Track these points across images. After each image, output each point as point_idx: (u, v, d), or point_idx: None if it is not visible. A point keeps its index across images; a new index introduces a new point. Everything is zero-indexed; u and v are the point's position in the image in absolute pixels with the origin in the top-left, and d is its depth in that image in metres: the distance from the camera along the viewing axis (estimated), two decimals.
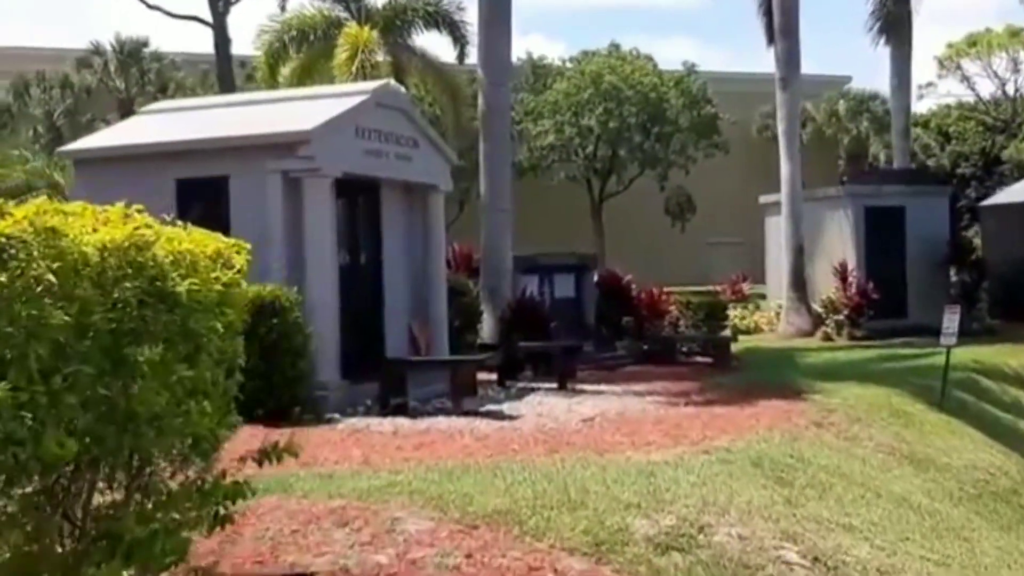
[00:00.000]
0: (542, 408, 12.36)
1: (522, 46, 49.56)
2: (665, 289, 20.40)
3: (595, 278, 19.48)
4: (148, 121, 14.24)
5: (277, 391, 11.34)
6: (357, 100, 13.09)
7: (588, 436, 10.26)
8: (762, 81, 49.65)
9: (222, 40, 29.01)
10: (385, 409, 11.97)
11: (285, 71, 22.88)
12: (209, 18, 29.83)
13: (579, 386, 14.39)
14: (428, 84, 24.88)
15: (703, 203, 46.01)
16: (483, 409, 12.12)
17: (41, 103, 37.53)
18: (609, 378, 16.04)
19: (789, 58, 23.43)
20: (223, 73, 28.31)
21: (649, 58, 45.41)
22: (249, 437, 10.05)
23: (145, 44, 41.11)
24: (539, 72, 46.82)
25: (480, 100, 18.29)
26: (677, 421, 11.24)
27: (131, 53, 40.37)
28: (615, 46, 46.12)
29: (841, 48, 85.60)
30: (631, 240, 43.83)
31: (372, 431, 10.75)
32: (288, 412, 11.49)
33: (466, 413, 11.65)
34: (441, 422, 11.22)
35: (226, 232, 12.30)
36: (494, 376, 14.88)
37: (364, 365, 12.86)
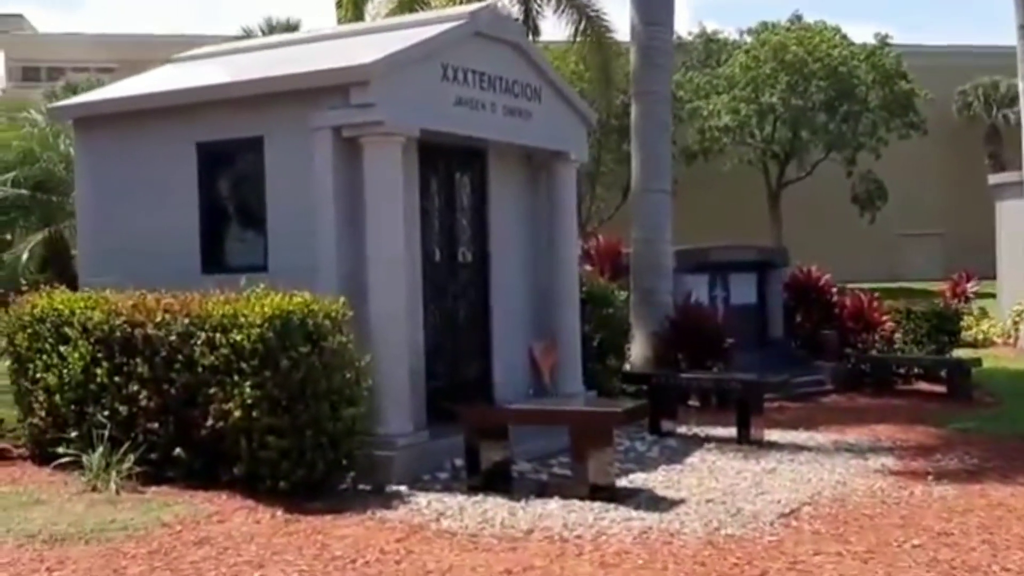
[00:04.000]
0: (713, 482, 8.13)
1: (694, 24, 45.04)
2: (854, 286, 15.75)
3: (784, 278, 15.05)
4: (175, 70, 10.60)
5: (310, 453, 7.50)
6: (444, 27, 9.12)
7: (795, 560, 5.99)
8: (964, 54, 44.22)
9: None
10: (474, 477, 7.98)
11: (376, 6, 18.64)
12: None
13: (766, 434, 10.09)
14: (567, 29, 19.87)
15: (896, 190, 40.85)
16: (623, 484, 7.98)
17: None
18: (806, 416, 11.71)
19: None
20: None
21: (837, 30, 40.22)
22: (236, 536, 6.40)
23: (295, 28, 38.79)
24: (712, 49, 42.24)
25: (632, 50, 14.05)
26: (940, 523, 6.84)
27: None
28: (797, 17, 41.16)
29: None
30: (812, 232, 39.00)
31: (440, 531, 6.73)
32: (327, 483, 7.67)
33: (596, 491, 7.54)
34: (553, 513, 7.12)
35: (261, 217, 8.64)
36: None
37: (460, 406, 8.93)
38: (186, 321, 7.93)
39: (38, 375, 8.87)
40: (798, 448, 9.66)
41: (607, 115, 27.58)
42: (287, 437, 7.47)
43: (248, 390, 7.48)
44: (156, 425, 8.09)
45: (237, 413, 7.53)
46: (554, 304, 10.62)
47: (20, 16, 57.41)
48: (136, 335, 8.18)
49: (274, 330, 7.46)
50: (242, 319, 7.59)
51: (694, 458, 9.14)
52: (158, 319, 8.08)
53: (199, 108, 9.12)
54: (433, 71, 8.88)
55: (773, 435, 10.23)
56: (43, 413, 8.90)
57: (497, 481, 7.94)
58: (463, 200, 10.02)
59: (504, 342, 10.18)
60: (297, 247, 8.60)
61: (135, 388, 8.17)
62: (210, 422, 7.73)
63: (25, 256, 14.21)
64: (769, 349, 14.46)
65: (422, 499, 7.56)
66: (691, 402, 12.15)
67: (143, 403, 8.12)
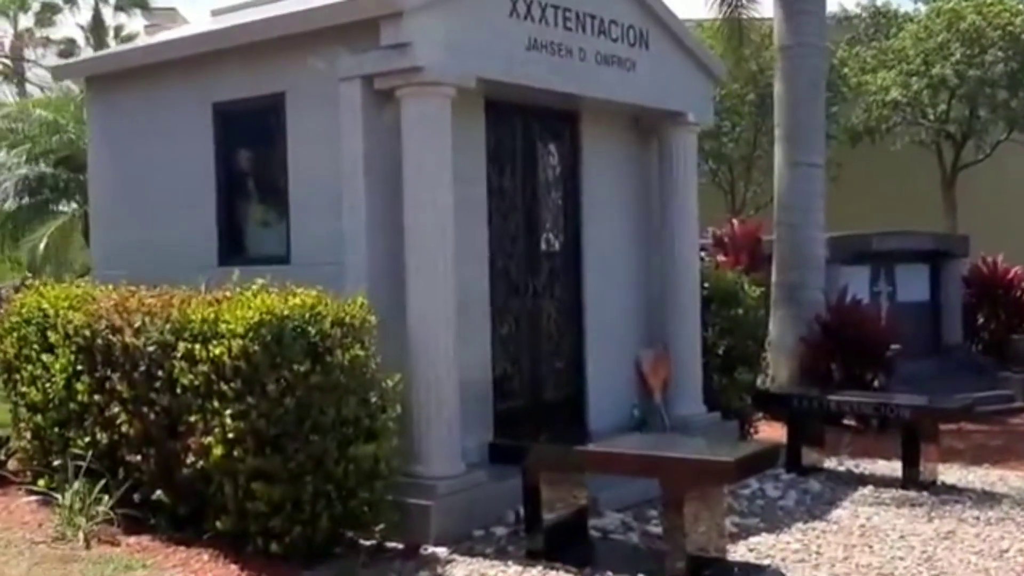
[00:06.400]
0: (866, 554, 5.88)
1: None
2: None
3: (963, 271, 12.53)
4: (200, 23, 8.88)
5: (310, 506, 5.62)
6: None
7: None
8: None
9: None
10: (535, 538, 5.95)
11: None
12: None
13: (941, 471, 7.77)
14: None
15: None
16: (739, 554, 5.83)
17: None
18: (994, 446, 9.34)
19: None
20: None
21: None
22: None
23: None
24: (881, 22, 39.00)
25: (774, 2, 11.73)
26: None
27: None
28: None
29: None
30: (991, 220, 35.27)
31: None
32: (338, 542, 5.79)
33: (697, 566, 5.43)
34: None
35: (283, 197, 6.69)
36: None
37: (541, 435, 6.95)
38: (166, 327, 6.15)
39: (23, 388, 7.29)
40: (984, 496, 7.29)
41: (758, 94, 25.16)
42: (278, 484, 5.59)
43: (229, 421, 5.64)
44: (139, 458, 6.36)
45: (217, 451, 5.71)
46: (667, 303, 8.51)
47: (173, 10, 57.97)
48: (116, 343, 6.47)
49: (260, 341, 5.58)
50: (223, 326, 5.75)
51: (843, 510, 6.89)
52: (137, 324, 6.33)
53: (214, 60, 7.33)
54: (497, 5, 6.87)
55: (950, 474, 7.90)
56: (28, 435, 7.33)
57: (565, 545, 5.90)
58: (548, 173, 7.99)
59: (601, 351, 8.13)
60: (324, 234, 6.75)
61: (116, 410, 6.46)
62: (191, 459, 5.95)
63: (43, 244, 12.71)
64: (944, 356, 11.98)
65: (459, 570, 5.59)
66: (847, 421, 9.90)
67: (124, 429, 6.40)
